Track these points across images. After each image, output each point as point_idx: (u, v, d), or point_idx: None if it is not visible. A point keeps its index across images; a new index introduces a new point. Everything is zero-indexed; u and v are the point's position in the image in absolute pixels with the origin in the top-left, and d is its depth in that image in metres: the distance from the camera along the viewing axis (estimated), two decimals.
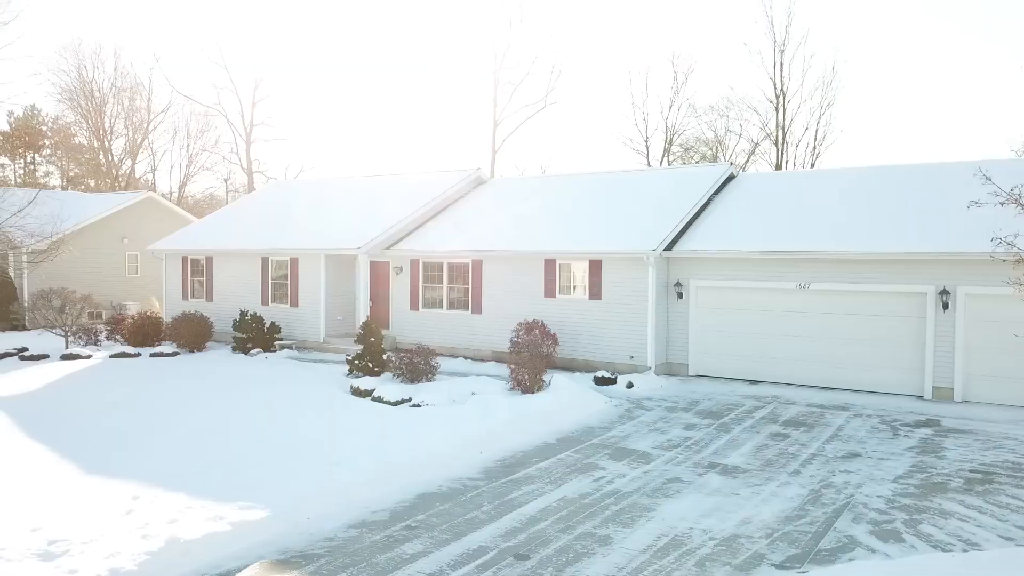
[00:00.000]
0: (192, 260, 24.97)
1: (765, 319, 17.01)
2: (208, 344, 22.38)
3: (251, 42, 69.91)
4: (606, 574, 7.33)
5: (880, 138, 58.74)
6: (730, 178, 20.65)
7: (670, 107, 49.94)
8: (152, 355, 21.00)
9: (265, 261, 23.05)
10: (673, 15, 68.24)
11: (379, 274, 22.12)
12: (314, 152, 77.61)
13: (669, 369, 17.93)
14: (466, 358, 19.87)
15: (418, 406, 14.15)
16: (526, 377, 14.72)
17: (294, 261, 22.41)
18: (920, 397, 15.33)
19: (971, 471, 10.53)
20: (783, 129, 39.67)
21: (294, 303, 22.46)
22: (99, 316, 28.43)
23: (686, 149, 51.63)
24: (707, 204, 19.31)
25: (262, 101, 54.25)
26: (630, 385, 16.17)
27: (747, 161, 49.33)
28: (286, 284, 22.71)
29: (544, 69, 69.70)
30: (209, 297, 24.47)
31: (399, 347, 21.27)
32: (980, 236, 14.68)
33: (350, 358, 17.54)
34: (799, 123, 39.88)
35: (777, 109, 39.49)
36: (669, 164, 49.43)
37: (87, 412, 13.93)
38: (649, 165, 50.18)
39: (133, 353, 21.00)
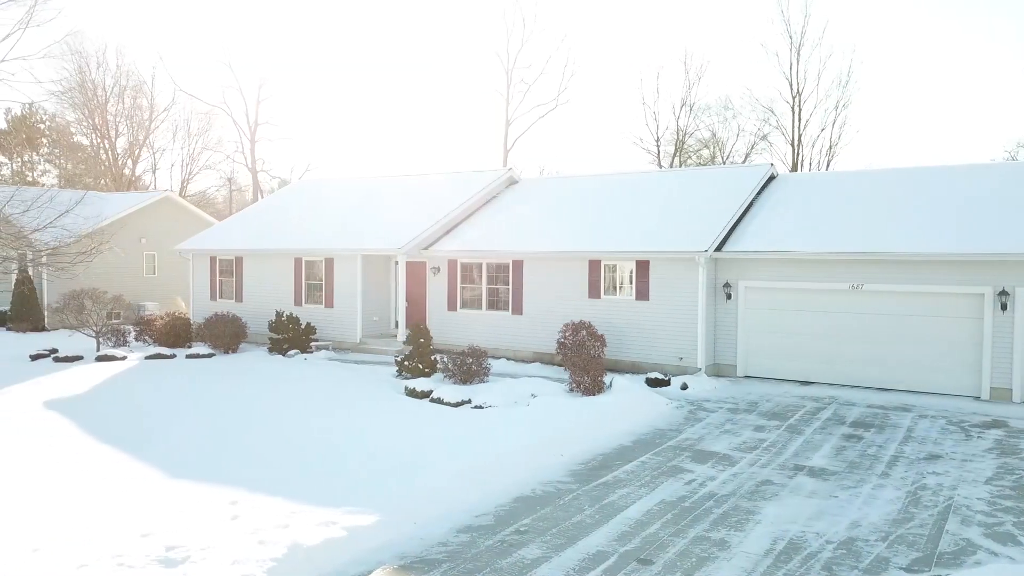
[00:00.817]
0: (221, 260, 24.75)
1: (817, 320, 16.98)
2: (241, 345, 22.16)
3: (256, 40, 69.64)
4: None
5: (895, 138, 59.13)
6: (770, 179, 20.62)
7: (681, 107, 50.04)
8: (188, 356, 20.77)
9: (298, 262, 22.87)
10: (687, 15, 68.55)
11: (415, 275, 21.98)
12: (320, 151, 77.34)
13: (717, 370, 17.88)
14: (507, 359, 19.74)
15: (480, 407, 14.04)
16: (587, 379, 14.63)
17: (329, 262, 22.24)
18: (977, 398, 15.34)
19: None
20: (799, 130, 39.75)
21: (329, 304, 22.29)
22: (117, 316, 28.13)
23: (693, 152, 51.72)
24: (750, 205, 19.27)
25: (267, 100, 54.12)
26: (684, 387, 16.11)
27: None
28: (320, 285, 22.53)
29: (557, 68, 69.97)
30: (239, 298, 24.26)
31: (435, 348, 21.15)
32: None
33: (399, 359, 17.41)
34: (815, 124, 40.00)
35: (793, 110, 39.59)
36: (682, 165, 49.47)
37: (147, 414, 13.75)
38: (660, 166, 50.23)
39: (168, 354, 20.77)
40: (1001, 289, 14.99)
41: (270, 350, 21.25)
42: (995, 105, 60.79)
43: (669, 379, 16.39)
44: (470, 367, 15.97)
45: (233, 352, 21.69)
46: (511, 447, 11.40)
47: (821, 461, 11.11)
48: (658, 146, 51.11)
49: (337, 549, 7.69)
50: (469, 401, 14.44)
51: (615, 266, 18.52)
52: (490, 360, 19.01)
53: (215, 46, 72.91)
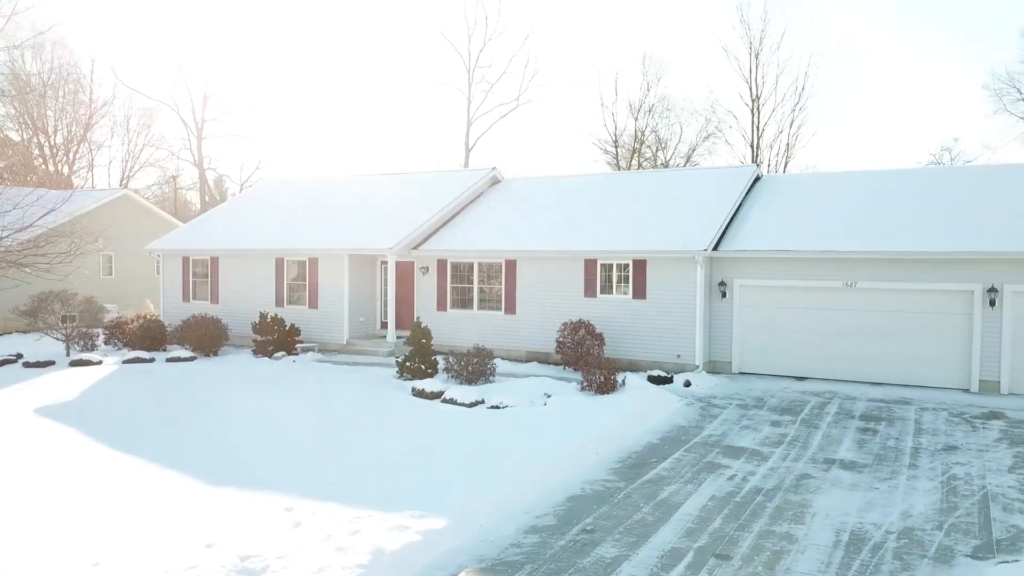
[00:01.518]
0: (195, 261, 24.00)
1: (811, 317, 17.43)
2: (220, 348, 21.49)
3: (204, 34, 67.67)
4: (818, 571, 7.39)
5: (846, 140, 61.21)
6: (755, 180, 21.07)
7: (639, 108, 50.81)
8: (168, 360, 20.07)
9: (280, 262, 22.34)
10: (648, 16, 69.70)
11: (401, 275, 21.74)
12: (272, 149, 75.75)
13: (712, 367, 18.17)
14: (502, 359, 19.59)
15: (497, 408, 13.95)
16: (600, 377, 14.70)
17: (313, 261, 21.79)
18: (966, 390, 15.99)
19: None
20: (758, 132, 40.74)
21: (313, 305, 21.84)
22: (73, 319, 26.97)
23: (644, 156, 52.48)
24: (739, 205, 19.64)
25: (215, 96, 52.72)
26: (688, 384, 16.32)
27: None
28: (303, 285, 22.06)
29: (519, 67, 70.20)
30: (214, 299, 23.58)
31: None
32: None
33: (400, 360, 17.18)
34: (773, 126, 41.07)
35: (753, 112, 40.57)
36: (640, 166, 50.15)
37: (154, 420, 13.25)
38: (619, 167, 50.84)
39: (147, 358, 20.04)
40: (990, 286, 15.65)
41: (255, 352, 20.71)
42: (930, 110, 63.42)
43: (671, 376, 16.59)
44: (476, 367, 15.87)
45: (214, 355, 21.06)
46: (546, 446, 11.37)
47: (848, 454, 11.41)
48: (616, 147, 51.78)
49: (416, 553, 7.55)
50: (482, 402, 14.33)
51: (611, 265, 18.66)
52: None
53: (159, 40, 70.39)
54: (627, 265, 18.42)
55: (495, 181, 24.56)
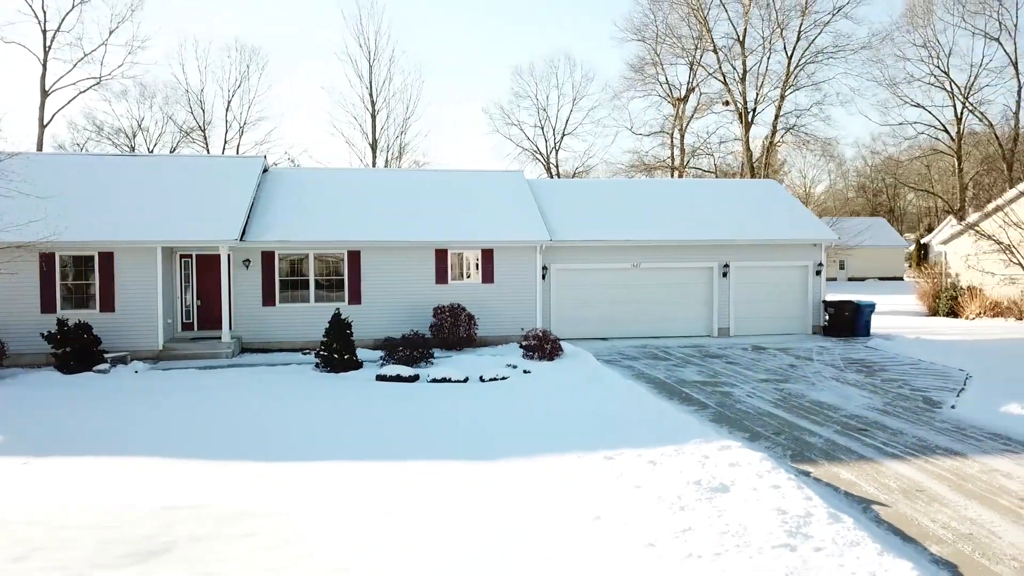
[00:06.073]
0: None
1: (607, 291, 22.35)
2: None
3: None
4: (932, 430, 12.19)
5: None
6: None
7: (232, 96, 49.41)
8: None
9: (48, 257, 18.06)
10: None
11: (211, 269, 19.80)
12: None
13: None
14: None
15: (495, 380, 15.41)
16: (548, 347, 17.21)
17: (106, 256, 18.30)
18: (710, 336, 22.88)
19: (847, 363, 18.09)
20: (375, 134, 44.10)
21: (107, 307, 18.35)
22: None
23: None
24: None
25: None
26: None
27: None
28: (91, 285, 18.32)
29: (120, 42, 59.82)
30: None
31: (246, 347, 19.93)
32: (747, 229, 22.95)
33: (323, 354, 16.61)
34: (390, 129, 44.92)
35: (372, 116, 43.75)
36: (238, 152, 48.80)
37: (279, 434, 11.38)
38: (209, 152, 48.60)
39: None
40: (724, 263, 22.75)
41: (59, 368, 16.74)
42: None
43: None
44: (420, 352, 16.75)
45: None
46: (615, 396, 13.86)
47: (761, 375, 16.50)
48: (205, 134, 49.34)
49: (769, 457, 10.05)
50: (468, 379, 15.56)
51: (461, 254, 20.70)
52: None
53: None
54: (476, 254, 20.73)
55: (265, 169, 23.47)
